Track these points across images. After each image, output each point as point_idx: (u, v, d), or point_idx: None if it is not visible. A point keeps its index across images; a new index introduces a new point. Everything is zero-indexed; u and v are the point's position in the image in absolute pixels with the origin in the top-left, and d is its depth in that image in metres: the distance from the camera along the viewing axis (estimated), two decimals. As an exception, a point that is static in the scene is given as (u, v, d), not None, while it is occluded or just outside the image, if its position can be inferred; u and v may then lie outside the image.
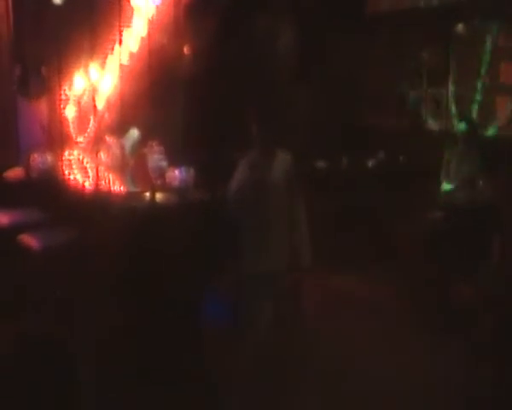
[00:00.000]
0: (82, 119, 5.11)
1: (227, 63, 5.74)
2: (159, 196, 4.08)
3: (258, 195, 2.88)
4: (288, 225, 3.00)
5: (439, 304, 4.41)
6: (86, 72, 5.13)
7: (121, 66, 5.42)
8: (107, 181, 4.41)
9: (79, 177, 4.56)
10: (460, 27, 6.05)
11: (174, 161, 4.55)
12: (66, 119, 5.08)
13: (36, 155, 4.73)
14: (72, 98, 5.15)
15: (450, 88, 6.13)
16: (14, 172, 4.71)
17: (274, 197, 2.93)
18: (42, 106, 5.08)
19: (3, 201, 4.34)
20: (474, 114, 5.66)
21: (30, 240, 3.74)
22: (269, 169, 2.88)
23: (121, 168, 4.46)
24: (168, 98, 5.50)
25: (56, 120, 5.04)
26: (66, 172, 4.61)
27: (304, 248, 3.10)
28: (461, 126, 5.16)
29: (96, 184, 4.40)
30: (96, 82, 5.16)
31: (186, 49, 5.86)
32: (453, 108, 6.10)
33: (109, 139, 4.75)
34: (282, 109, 3.11)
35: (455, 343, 3.84)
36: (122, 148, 4.55)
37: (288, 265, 3.01)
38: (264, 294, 2.95)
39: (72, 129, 5.09)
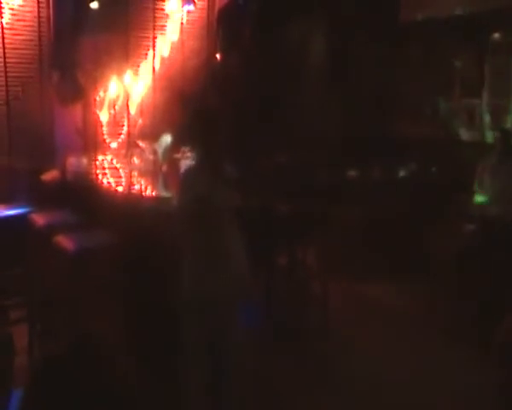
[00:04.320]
0: (116, 123, 5.22)
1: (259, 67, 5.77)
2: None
3: (203, 216, 2.83)
4: (227, 249, 2.90)
5: (469, 319, 4.34)
6: (120, 77, 5.23)
7: (154, 71, 5.52)
8: (139, 185, 4.48)
9: (113, 180, 4.65)
10: (495, 36, 5.95)
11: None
12: (100, 123, 5.20)
13: (71, 159, 4.84)
14: (106, 103, 5.27)
15: (485, 98, 6.02)
16: (51, 175, 4.84)
17: (217, 219, 2.87)
18: (77, 110, 5.21)
19: (40, 202, 4.45)
20: (510, 124, 5.54)
21: (65, 242, 3.81)
22: (213, 189, 2.82)
23: (154, 173, 4.53)
24: (200, 104, 5.56)
25: (91, 124, 5.16)
26: (100, 176, 4.71)
27: (238, 276, 2.94)
28: (495, 138, 5.07)
29: (129, 189, 4.47)
30: (130, 87, 5.26)
31: (218, 55, 5.92)
32: (487, 119, 5.99)
33: (142, 144, 4.84)
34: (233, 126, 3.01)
35: (483, 357, 3.77)
36: (155, 153, 4.62)
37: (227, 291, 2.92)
38: (201, 321, 2.86)
39: (106, 133, 5.21)
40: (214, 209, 2.82)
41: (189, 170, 3.06)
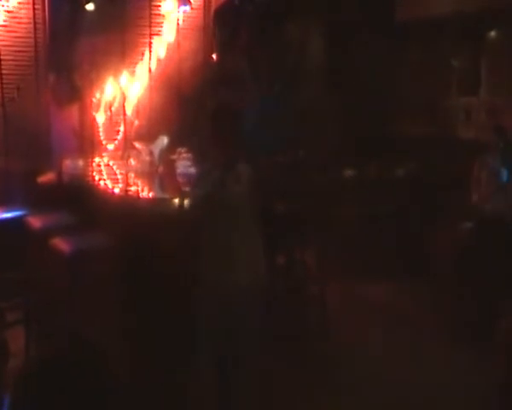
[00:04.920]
0: (112, 125, 5.21)
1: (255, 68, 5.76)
2: (187, 202, 4.10)
3: (218, 209, 2.86)
4: (244, 241, 2.94)
5: (466, 317, 4.33)
6: (117, 79, 5.22)
7: (150, 73, 5.51)
8: (136, 187, 4.47)
9: (109, 182, 4.64)
10: (493, 34, 5.95)
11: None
12: (96, 125, 5.18)
13: (67, 160, 4.83)
14: (102, 105, 5.25)
15: (482, 96, 6.02)
16: (47, 177, 4.82)
17: (233, 212, 2.88)
18: (74, 112, 5.19)
19: (36, 205, 4.44)
20: (507, 123, 5.53)
21: (62, 244, 3.80)
22: (229, 183, 2.85)
23: (150, 174, 4.51)
24: (196, 105, 5.55)
25: (87, 126, 5.14)
26: (97, 178, 4.69)
27: (257, 265, 2.98)
28: (492, 136, 5.06)
29: (126, 190, 4.46)
30: (126, 89, 5.25)
31: (215, 55, 5.91)
32: (484, 117, 5.99)
33: (138, 146, 4.82)
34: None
35: (483, 357, 3.76)
36: (151, 154, 4.61)
37: (244, 280, 2.93)
38: (219, 310, 2.90)
39: (102, 135, 5.19)
40: (224, 208, 2.84)
41: (203, 169, 3.10)
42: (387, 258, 5.06)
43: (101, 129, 5.19)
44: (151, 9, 5.57)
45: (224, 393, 2.96)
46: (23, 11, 5.04)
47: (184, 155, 4.69)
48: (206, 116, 3.11)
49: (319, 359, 3.98)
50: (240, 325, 2.91)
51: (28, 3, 5.05)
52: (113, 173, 4.70)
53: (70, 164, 4.80)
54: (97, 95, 5.23)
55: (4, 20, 4.96)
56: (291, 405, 3.45)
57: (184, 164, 4.60)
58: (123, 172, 4.60)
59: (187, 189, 4.37)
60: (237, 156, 2.93)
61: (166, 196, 4.28)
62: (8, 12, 4.97)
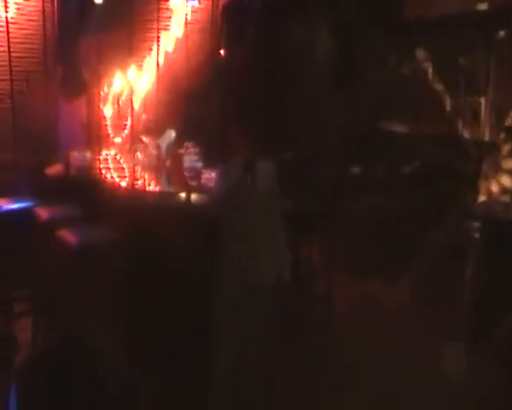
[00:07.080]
0: (120, 118, 5.22)
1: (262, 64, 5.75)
2: (194, 196, 4.12)
3: (243, 204, 2.87)
4: (269, 234, 2.95)
5: (469, 318, 4.33)
6: (125, 72, 5.23)
7: (158, 67, 5.51)
8: (143, 180, 4.48)
9: (116, 175, 4.66)
10: (501, 33, 5.91)
11: (210, 163, 4.59)
12: (104, 118, 5.20)
13: (75, 153, 4.85)
14: (110, 98, 5.27)
15: (490, 96, 5.99)
16: (54, 169, 4.84)
17: (257, 206, 2.89)
18: (81, 105, 5.21)
19: (43, 197, 4.46)
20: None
21: (68, 236, 3.82)
22: (252, 178, 2.86)
23: (157, 168, 4.53)
24: (204, 99, 5.56)
25: (95, 119, 5.16)
26: (104, 171, 4.71)
27: (282, 259, 3.01)
28: (500, 136, 5.04)
29: (132, 183, 4.47)
30: (134, 82, 5.25)
31: (223, 50, 5.91)
32: (493, 117, 5.96)
33: (146, 139, 4.84)
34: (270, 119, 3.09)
35: (484, 356, 3.76)
36: (158, 148, 4.62)
37: (270, 275, 2.95)
38: (245, 305, 2.91)
39: (110, 128, 5.20)
40: (248, 204, 2.85)
41: (225, 166, 3.11)
42: (393, 256, 5.06)
43: (108, 122, 5.20)
44: (159, 4, 5.57)
45: (238, 387, 2.97)
46: (32, 4, 5.05)
47: (191, 149, 4.69)
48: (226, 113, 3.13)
49: (322, 355, 3.98)
50: (263, 322, 2.93)
51: (37, -4, 5.07)
52: (121, 167, 4.72)
53: (77, 157, 4.82)
54: (105, 88, 5.24)
55: (14, 13, 4.98)
56: (293, 401, 3.46)
57: (191, 158, 4.61)
58: (130, 165, 4.62)
59: (193, 183, 4.40)
60: (260, 153, 2.94)
61: (173, 189, 4.30)
62: (18, 5, 4.99)
